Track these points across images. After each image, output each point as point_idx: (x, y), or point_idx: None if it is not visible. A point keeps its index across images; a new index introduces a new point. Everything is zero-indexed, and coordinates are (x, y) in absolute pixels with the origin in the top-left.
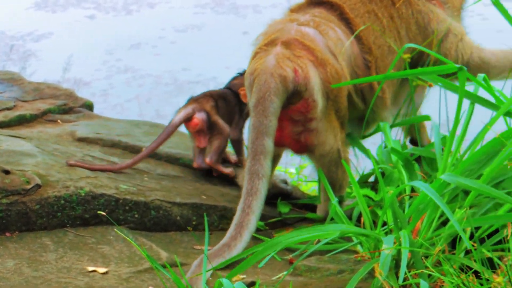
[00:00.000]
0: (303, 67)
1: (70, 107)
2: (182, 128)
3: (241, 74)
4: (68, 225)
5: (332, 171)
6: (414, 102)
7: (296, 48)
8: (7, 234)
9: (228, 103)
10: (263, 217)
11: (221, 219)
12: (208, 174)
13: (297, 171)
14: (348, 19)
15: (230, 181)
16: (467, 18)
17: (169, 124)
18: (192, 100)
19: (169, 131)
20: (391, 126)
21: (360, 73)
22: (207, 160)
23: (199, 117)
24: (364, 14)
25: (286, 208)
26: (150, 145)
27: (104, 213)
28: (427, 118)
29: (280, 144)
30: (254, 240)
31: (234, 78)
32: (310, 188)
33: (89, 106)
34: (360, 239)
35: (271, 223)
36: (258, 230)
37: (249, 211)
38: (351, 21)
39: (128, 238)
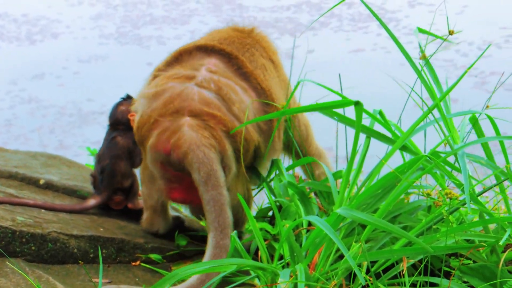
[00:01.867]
0: (219, 138)
1: None
2: (80, 159)
3: (125, 99)
4: None
5: (234, 207)
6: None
7: (206, 117)
8: None
9: (124, 148)
10: (160, 250)
11: (118, 251)
12: (105, 208)
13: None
14: (247, 73)
15: (128, 214)
16: (368, 52)
17: (83, 206)
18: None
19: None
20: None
21: (264, 127)
22: (130, 205)
23: (119, 198)
24: (261, 66)
25: (183, 241)
26: (51, 204)
27: None
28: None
29: (190, 202)
30: (152, 273)
31: (119, 104)
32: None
33: None
34: (257, 273)
35: (169, 256)
36: (155, 263)
37: None
38: (250, 74)
39: (22, 272)
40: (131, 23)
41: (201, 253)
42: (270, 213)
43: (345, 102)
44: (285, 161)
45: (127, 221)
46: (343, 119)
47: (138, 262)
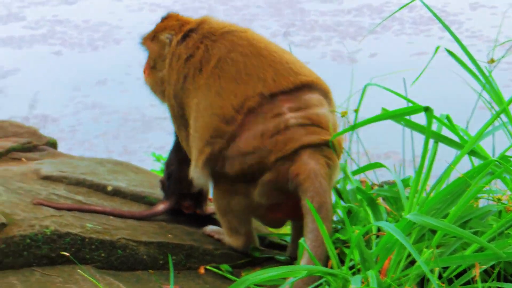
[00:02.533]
0: (331, 166)
1: (34, 145)
2: (145, 165)
3: None
4: (34, 264)
5: None
6: None
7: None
8: None
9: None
10: (229, 256)
11: (187, 258)
12: (173, 213)
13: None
14: None
15: (197, 220)
16: (430, 55)
17: (152, 211)
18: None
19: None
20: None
21: None
22: (198, 211)
23: (187, 203)
24: None
25: (258, 253)
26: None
27: (67, 254)
28: None
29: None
30: (221, 279)
31: None
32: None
33: (53, 144)
34: (328, 279)
35: (239, 264)
36: (227, 270)
37: None
38: None
39: (93, 280)
40: None
41: (270, 259)
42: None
43: (414, 109)
44: None
45: (195, 227)
46: (412, 126)
47: (202, 269)
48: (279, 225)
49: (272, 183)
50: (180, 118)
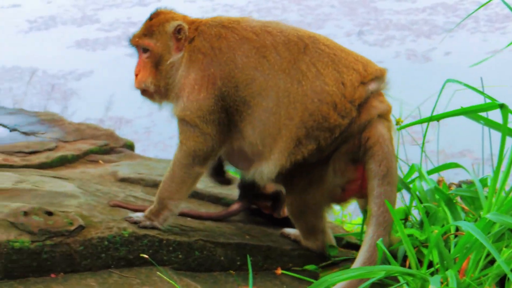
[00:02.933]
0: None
1: (111, 147)
2: None
3: None
4: (112, 266)
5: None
6: None
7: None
8: (52, 275)
9: None
10: (307, 257)
11: (265, 259)
12: (252, 213)
13: (341, 207)
14: None
15: (274, 221)
16: (506, 53)
17: (227, 212)
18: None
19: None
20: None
21: None
22: (275, 215)
23: (263, 203)
24: None
25: (335, 251)
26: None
27: (146, 256)
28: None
29: (360, 196)
30: (299, 280)
31: None
32: (354, 225)
33: (130, 146)
34: (406, 279)
35: (315, 262)
36: (304, 271)
37: None
38: None
39: (171, 281)
40: None
41: (347, 260)
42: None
43: (489, 106)
44: None
45: (273, 228)
46: (488, 123)
47: (279, 270)
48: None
49: (347, 154)
50: (216, 113)
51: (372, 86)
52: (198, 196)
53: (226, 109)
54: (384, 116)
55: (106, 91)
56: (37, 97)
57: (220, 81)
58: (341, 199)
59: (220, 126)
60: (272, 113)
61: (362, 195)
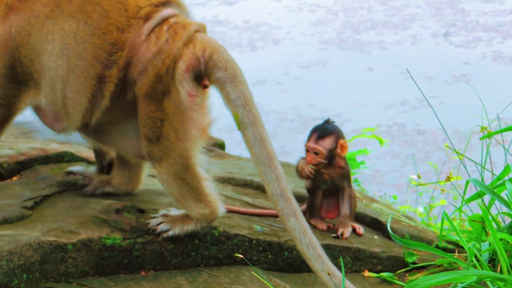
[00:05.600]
0: None
1: None
2: None
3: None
4: (202, 265)
5: None
6: None
7: None
8: (142, 273)
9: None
10: (396, 260)
11: (354, 260)
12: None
13: (426, 210)
14: None
15: (362, 223)
16: None
17: None
18: None
19: None
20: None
21: None
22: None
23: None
24: None
25: (413, 257)
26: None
27: (241, 256)
28: None
29: None
30: (387, 282)
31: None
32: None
33: (221, 145)
34: (497, 284)
35: (401, 265)
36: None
37: None
38: None
39: (264, 280)
40: (352, 29)
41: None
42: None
43: None
44: None
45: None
46: None
47: (367, 272)
48: None
49: (190, 68)
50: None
51: (165, 10)
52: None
53: (19, 60)
54: (202, 31)
55: None
56: None
57: (14, 29)
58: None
59: (11, 78)
60: (58, 56)
61: None
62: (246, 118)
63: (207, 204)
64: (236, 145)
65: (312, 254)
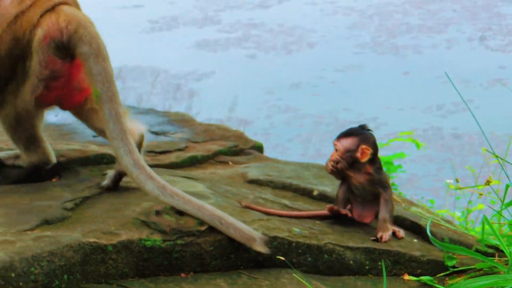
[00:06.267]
0: None
1: (240, 148)
2: None
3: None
4: (241, 267)
5: None
6: None
7: None
8: (182, 274)
9: None
10: (436, 263)
11: (394, 264)
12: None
13: (463, 214)
14: None
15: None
16: None
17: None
18: None
19: None
20: None
21: None
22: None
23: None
24: None
25: (452, 261)
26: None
27: (282, 258)
28: None
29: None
30: (428, 286)
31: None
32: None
33: (259, 148)
34: None
35: (440, 268)
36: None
37: None
38: None
39: (306, 283)
40: (387, 32)
41: (474, 269)
42: None
43: None
44: None
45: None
46: None
47: (407, 276)
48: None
49: (49, 37)
50: None
51: None
52: (327, 199)
53: None
54: (73, 6)
55: (227, 92)
56: (157, 97)
57: None
58: (46, 100)
59: None
60: None
61: (70, 96)
62: (104, 94)
63: (36, 151)
64: (273, 148)
65: (177, 203)
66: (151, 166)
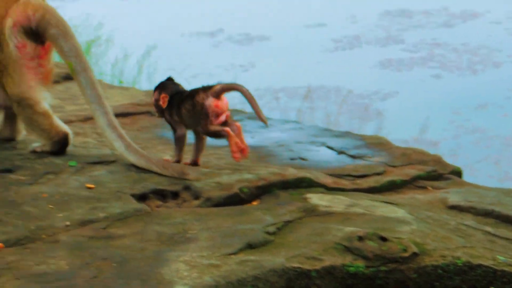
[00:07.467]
0: None
1: (439, 173)
2: None
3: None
4: None
5: None
6: None
7: None
8: None
9: None
10: None
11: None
12: None
13: None
14: None
15: None
16: None
17: None
18: None
19: None
20: None
21: None
22: None
23: None
24: None
25: None
26: None
27: None
28: None
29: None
30: None
31: None
32: None
33: (458, 173)
34: None
35: None
36: None
37: None
38: None
39: None
40: None
41: None
42: None
43: None
44: None
45: None
46: None
47: None
48: None
49: (18, 24)
50: None
51: None
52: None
53: None
54: None
55: (412, 113)
56: (343, 116)
57: None
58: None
59: None
60: None
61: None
62: (78, 66)
63: (53, 133)
64: (470, 173)
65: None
66: (351, 190)
